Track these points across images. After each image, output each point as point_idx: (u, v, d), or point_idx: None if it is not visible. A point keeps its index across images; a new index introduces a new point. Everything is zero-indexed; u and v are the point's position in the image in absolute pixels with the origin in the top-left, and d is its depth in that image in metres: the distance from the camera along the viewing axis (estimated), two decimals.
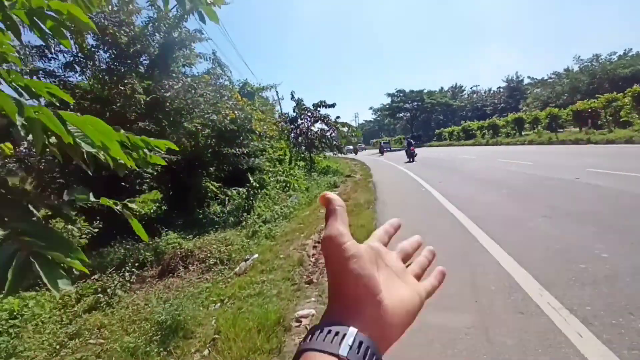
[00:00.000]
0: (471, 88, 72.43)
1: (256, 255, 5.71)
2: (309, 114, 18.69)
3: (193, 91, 7.43)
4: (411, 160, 20.28)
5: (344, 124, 19.24)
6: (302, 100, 18.49)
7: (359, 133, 19.47)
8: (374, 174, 17.70)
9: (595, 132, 16.47)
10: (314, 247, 5.95)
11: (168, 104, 7.66)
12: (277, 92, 18.04)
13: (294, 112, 18.77)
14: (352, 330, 0.33)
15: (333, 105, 18.45)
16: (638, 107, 14.53)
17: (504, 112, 51.66)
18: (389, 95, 58.89)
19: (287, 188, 10.14)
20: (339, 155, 21.26)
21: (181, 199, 9.86)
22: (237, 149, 10.24)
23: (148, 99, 7.30)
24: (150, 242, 6.25)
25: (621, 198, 5.66)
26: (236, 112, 8.43)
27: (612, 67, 38.35)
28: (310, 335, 0.34)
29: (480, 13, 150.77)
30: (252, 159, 10.70)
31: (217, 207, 10.35)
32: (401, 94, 57.48)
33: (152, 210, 10.22)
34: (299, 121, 18.95)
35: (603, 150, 13.09)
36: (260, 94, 10.76)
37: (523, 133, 25.97)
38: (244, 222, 8.09)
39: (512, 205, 6.27)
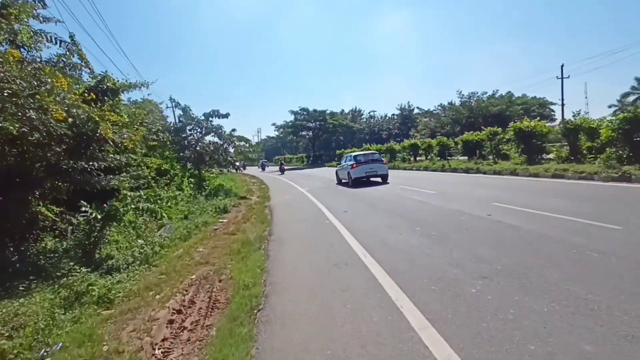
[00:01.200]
0: (369, 113, 77.47)
1: (58, 347, 3.43)
2: (199, 125, 16.23)
3: None
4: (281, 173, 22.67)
5: (240, 138, 17.26)
6: (188, 108, 15.97)
7: (257, 149, 17.69)
8: (272, 195, 16.07)
9: (482, 162, 17.82)
10: (169, 324, 3.93)
11: None
12: (171, 98, 15.22)
13: (179, 121, 16.08)
14: None
15: (226, 116, 16.37)
16: (517, 141, 16.07)
17: (398, 137, 56.05)
18: (292, 112, 58.80)
19: (156, 216, 7.75)
20: (239, 170, 19.07)
21: None
22: (87, 163, 7.52)
23: None
24: None
25: (547, 243, 5.06)
26: (73, 110, 5.89)
27: (484, 105, 44.68)
28: None
29: (379, 45, 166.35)
30: (110, 177, 8.04)
31: (49, 242, 7.37)
32: (305, 113, 57.82)
33: None
34: (187, 132, 16.30)
35: (494, 181, 13.75)
36: (124, 91, 8.21)
37: (417, 158, 27.59)
38: (75, 273, 5.54)
39: (435, 252, 5.23)
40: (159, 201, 8.98)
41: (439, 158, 24.03)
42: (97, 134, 6.33)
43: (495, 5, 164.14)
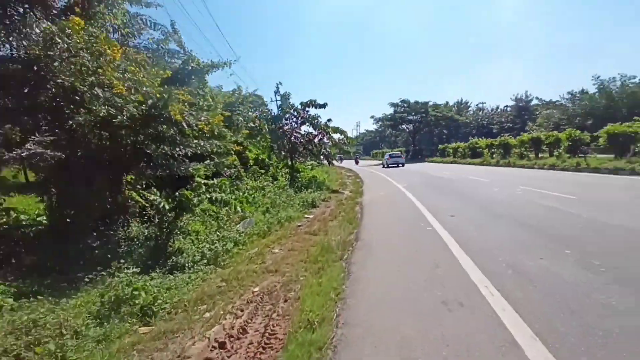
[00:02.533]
0: (477, 105, 69.64)
1: None
2: (295, 113, 15.59)
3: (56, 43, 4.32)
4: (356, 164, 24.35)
5: (336, 129, 16.12)
6: (289, 95, 15.41)
7: (353, 141, 16.36)
8: (365, 191, 14.57)
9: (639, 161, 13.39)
10: None
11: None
12: (278, 84, 14.95)
13: (278, 109, 15.67)
14: None
15: (324, 106, 15.38)
16: None
17: (510, 131, 48.70)
18: (392, 105, 55.89)
19: (235, 208, 7.02)
20: (332, 164, 18.10)
21: (73, 214, 6.74)
22: (170, 148, 7.14)
23: None
24: None
25: None
26: (139, 87, 5.32)
27: (634, 90, 35.48)
28: None
29: (491, 29, 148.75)
30: (193, 163, 7.57)
31: (134, 229, 7.20)
32: (405, 105, 54.44)
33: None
34: (283, 121, 15.83)
35: None
36: (209, 72, 7.64)
37: (540, 155, 22.86)
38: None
39: (618, 302, 3.14)
40: (236, 192, 8.28)
41: (569, 155, 19.24)
42: (165, 115, 5.68)
43: None
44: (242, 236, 7.05)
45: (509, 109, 59.68)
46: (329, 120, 15.93)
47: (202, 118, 6.61)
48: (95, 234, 6.52)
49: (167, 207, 5.34)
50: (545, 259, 4.33)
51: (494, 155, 26.95)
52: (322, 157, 16.61)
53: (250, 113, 13.54)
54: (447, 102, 61.81)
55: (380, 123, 63.30)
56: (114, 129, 6.42)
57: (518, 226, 6.28)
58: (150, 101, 5.67)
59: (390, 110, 56.96)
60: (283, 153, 15.96)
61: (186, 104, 6.18)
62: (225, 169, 11.69)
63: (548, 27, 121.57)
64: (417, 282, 3.96)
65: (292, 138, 15.55)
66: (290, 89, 16.43)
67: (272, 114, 15.87)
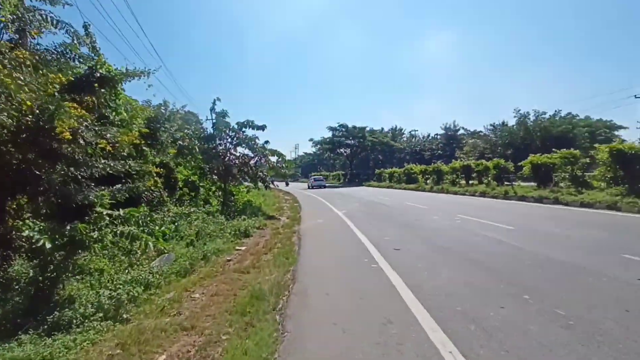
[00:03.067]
0: (410, 132, 74.24)
1: None
2: (231, 133, 14.60)
3: None
4: (286, 185, 23.26)
5: (273, 152, 15.43)
6: (226, 113, 14.37)
7: (291, 164, 15.77)
8: (304, 217, 13.95)
9: (561, 190, 14.65)
10: None
11: None
12: (215, 100, 13.85)
13: (212, 128, 14.52)
14: None
15: (263, 128, 14.65)
16: (613, 167, 12.82)
17: (441, 158, 52.51)
18: (330, 128, 57.12)
19: (145, 245, 5.80)
20: (269, 188, 17.20)
21: None
22: (69, 169, 5.84)
23: None
24: None
25: None
26: (12, 94, 4.15)
27: (544, 125, 40.38)
28: None
29: (421, 64, 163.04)
30: (102, 187, 6.27)
31: (17, 267, 5.69)
32: (343, 129, 55.99)
33: None
34: (217, 141, 14.71)
35: (592, 217, 10.62)
36: (124, 81, 6.53)
37: (470, 182, 24.39)
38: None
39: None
40: (151, 223, 7.13)
41: (496, 183, 20.79)
42: (49, 131, 4.55)
43: (550, 24, 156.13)
44: (156, 277, 5.89)
45: (439, 137, 64.40)
46: (267, 142, 15.23)
47: (108, 135, 5.47)
48: None
49: (48, 244, 4.10)
50: (506, 307, 3.99)
51: (427, 181, 28.30)
52: (258, 180, 15.70)
53: (178, 131, 12.30)
54: (383, 128, 65.06)
55: (318, 146, 64.14)
56: None
57: (467, 263, 6.05)
58: (36, 111, 4.48)
59: (329, 134, 58.15)
60: (215, 175, 14.76)
61: (87, 119, 5.04)
62: (145, 193, 10.32)
63: (473, 67, 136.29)
64: (368, 348, 3.29)
65: (227, 159, 14.48)
66: (229, 109, 15.43)
67: (206, 132, 14.66)
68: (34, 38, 7.29)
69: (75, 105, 4.79)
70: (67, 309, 4.46)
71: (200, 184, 16.17)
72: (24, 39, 6.84)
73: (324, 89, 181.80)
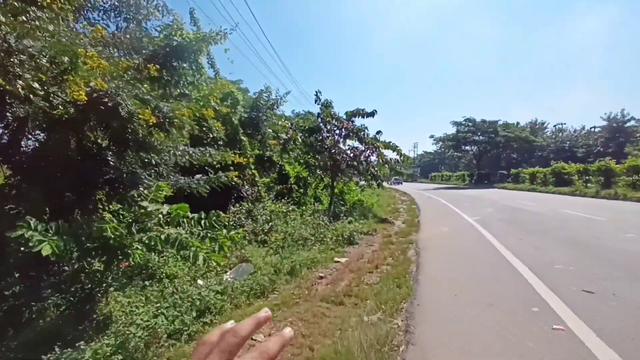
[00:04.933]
0: (555, 126, 61.62)
1: None
2: (339, 123, 12.96)
3: None
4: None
5: (387, 145, 13.17)
6: (330, 104, 12.85)
7: (408, 160, 13.25)
8: (423, 223, 11.37)
9: None
10: None
11: None
12: (317, 92, 12.78)
13: (318, 119, 13.13)
14: None
15: (372, 114, 12.58)
16: None
17: (602, 156, 41.50)
18: (455, 124, 50.98)
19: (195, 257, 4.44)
20: (382, 186, 15.06)
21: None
22: (137, 155, 4.95)
23: None
24: None
25: None
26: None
27: None
28: None
29: (567, 51, 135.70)
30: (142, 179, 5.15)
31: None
32: (470, 124, 49.26)
33: None
34: (324, 133, 13.23)
35: None
36: (202, 47, 5.32)
37: None
38: None
39: None
40: (217, 225, 5.79)
41: None
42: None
43: None
44: (222, 295, 4.45)
45: (598, 130, 51.58)
46: (379, 132, 13.04)
47: (165, 109, 4.19)
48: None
49: (46, 251, 2.90)
50: None
51: (588, 184, 21.84)
52: (369, 177, 13.70)
53: (279, 121, 11.25)
54: (518, 122, 55.23)
55: (440, 144, 58.40)
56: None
57: None
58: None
59: (452, 130, 52.26)
60: (320, 171, 13.35)
61: (122, 72, 3.88)
62: (246, 187, 9.40)
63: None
64: None
65: (334, 153, 12.88)
66: (349, 107, 14.06)
67: (304, 117, 13.26)
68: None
69: (94, 54, 3.53)
70: (88, 340, 3.27)
71: (310, 181, 15.13)
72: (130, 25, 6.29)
73: (447, 86, 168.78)
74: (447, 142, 54.44)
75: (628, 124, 47.77)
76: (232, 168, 8.01)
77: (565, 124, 61.64)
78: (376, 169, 13.65)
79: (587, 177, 22.60)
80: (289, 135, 11.78)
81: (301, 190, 14.26)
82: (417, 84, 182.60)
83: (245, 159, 8.35)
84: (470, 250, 7.01)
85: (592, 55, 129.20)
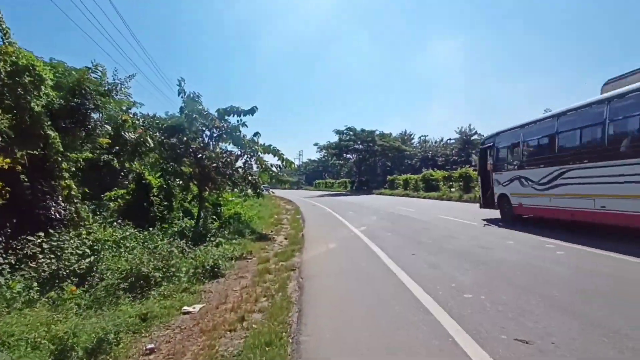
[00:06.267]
0: (420, 137, 69.99)
1: None
2: (208, 122, 10.64)
3: None
4: None
5: (267, 149, 11.43)
6: (197, 96, 10.46)
7: (292, 165, 11.72)
8: (308, 236, 9.96)
9: None
10: None
11: None
12: (180, 80, 9.95)
13: (181, 114, 10.54)
14: None
15: (252, 112, 10.70)
16: None
17: (456, 164, 48.37)
18: (337, 132, 52.84)
19: None
20: (261, 196, 13.16)
21: None
22: None
23: None
24: None
25: None
26: None
27: None
28: None
29: (432, 69, 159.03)
30: None
31: None
32: (351, 133, 51.70)
33: None
34: (188, 133, 10.63)
35: None
36: None
37: None
38: None
39: None
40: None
41: None
42: None
43: (559, 28, 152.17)
44: None
45: (453, 141, 60.07)
46: (257, 134, 11.21)
47: None
48: None
49: None
50: None
51: (452, 189, 24.10)
52: (247, 186, 11.75)
53: (120, 115, 8.43)
54: (391, 133, 60.70)
55: (324, 151, 60.10)
56: None
57: None
58: None
59: (335, 138, 54.14)
60: (179, 180, 10.86)
61: None
62: (62, 205, 6.40)
63: (487, 71, 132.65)
64: None
65: (203, 157, 10.50)
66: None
67: (154, 117, 10.45)
68: None
69: None
70: None
71: (175, 192, 12.35)
72: None
73: (330, 95, 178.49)
74: (330, 150, 56.22)
75: (473, 137, 56.77)
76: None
77: (428, 135, 70.57)
78: (255, 176, 11.78)
79: (450, 183, 25.03)
80: (136, 135, 8.94)
81: (164, 204, 11.42)
82: (302, 92, 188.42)
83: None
84: (363, 277, 5.64)
85: (450, 73, 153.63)
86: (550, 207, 9.04)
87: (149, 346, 3.55)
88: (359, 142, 52.30)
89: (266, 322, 3.90)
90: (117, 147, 9.20)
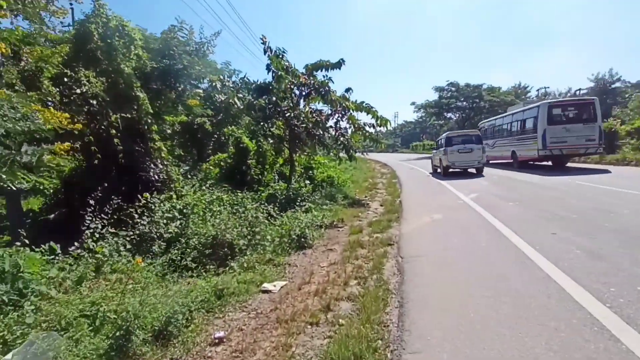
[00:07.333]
0: (538, 90, 59.54)
1: None
2: (295, 79, 9.88)
3: None
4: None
5: (359, 106, 10.25)
6: (284, 54, 9.74)
7: (387, 123, 10.36)
8: (405, 203, 8.80)
9: None
10: None
11: None
12: (263, 37, 9.51)
13: (268, 72, 9.97)
14: None
15: (339, 66, 9.61)
16: None
17: None
18: (437, 89, 47.90)
19: None
20: (354, 159, 12.14)
21: None
22: None
23: None
24: None
25: None
26: None
27: None
28: None
29: (551, 14, 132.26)
30: None
31: None
32: (453, 89, 46.34)
33: None
34: (276, 92, 10.02)
35: None
36: None
37: None
38: None
39: None
40: None
41: None
42: None
43: None
44: None
45: (584, 91, 49.72)
46: (348, 89, 10.07)
47: None
48: None
49: None
50: None
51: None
52: (339, 148, 10.89)
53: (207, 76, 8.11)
54: (500, 87, 52.77)
55: (422, 111, 55.65)
56: None
57: None
58: None
59: (435, 96, 49.37)
60: (272, 142, 10.47)
61: None
62: (159, 167, 6.45)
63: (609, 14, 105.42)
64: None
65: (291, 117, 9.89)
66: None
67: (245, 79, 9.95)
68: None
69: None
70: None
71: (268, 155, 12.25)
72: None
73: (428, 52, 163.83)
74: (429, 109, 51.73)
75: (615, 85, 46.09)
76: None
77: (549, 87, 59.74)
78: (347, 137, 10.82)
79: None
80: (224, 97, 8.64)
81: (259, 168, 11.40)
82: (400, 50, 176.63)
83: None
84: (485, 263, 4.31)
85: (573, 15, 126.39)
86: None
87: (218, 335, 3.00)
88: (462, 99, 46.89)
89: (356, 318, 3.04)
90: (210, 110, 9.10)
